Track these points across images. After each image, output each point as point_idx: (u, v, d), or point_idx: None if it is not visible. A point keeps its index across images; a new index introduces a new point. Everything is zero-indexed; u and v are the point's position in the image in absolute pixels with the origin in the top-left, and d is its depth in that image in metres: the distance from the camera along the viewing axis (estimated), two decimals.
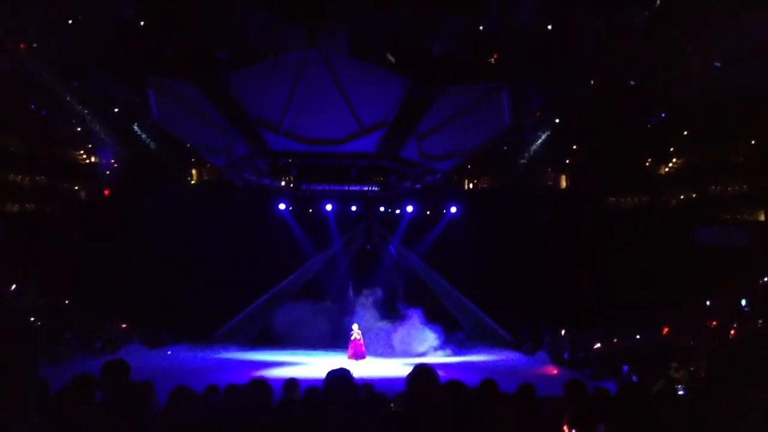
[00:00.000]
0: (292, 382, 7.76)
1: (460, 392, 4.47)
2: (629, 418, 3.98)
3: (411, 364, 3.90)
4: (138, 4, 19.00)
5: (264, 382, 4.47)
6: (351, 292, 25.70)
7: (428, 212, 26.45)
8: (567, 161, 27.68)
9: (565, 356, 21.92)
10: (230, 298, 24.65)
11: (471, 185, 28.98)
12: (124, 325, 23.74)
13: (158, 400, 5.05)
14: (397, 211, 26.42)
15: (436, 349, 23.18)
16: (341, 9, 18.09)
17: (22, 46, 20.16)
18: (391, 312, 24.67)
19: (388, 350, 22.67)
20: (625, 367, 17.84)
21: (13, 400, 1.08)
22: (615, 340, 21.41)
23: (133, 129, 24.90)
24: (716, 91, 20.45)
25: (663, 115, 23.38)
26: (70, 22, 19.14)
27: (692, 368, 15.87)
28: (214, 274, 24.21)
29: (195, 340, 23.84)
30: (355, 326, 21.15)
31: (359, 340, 20.93)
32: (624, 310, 21.92)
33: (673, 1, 18.21)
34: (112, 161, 26.93)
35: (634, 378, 16.70)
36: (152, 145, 25.51)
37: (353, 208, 26.17)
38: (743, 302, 20.57)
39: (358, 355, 20.47)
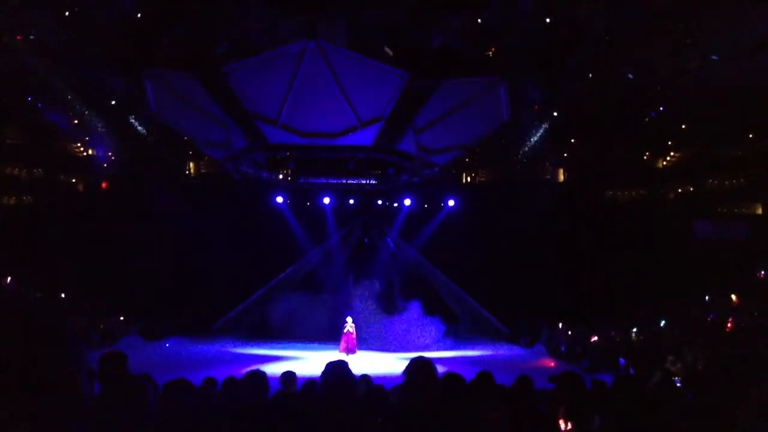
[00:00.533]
0: (289, 375, 7.78)
1: (457, 385, 4.48)
2: (625, 409, 3.99)
3: (408, 359, 3.90)
4: None
5: (261, 375, 4.47)
6: (349, 286, 25.67)
7: (426, 205, 26.46)
8: (565, 155, 27.68)
9: (563, 349, 21.97)
10: (228, 290, 24.66)
11: (469, 179, 28.97)
12: (121, 318, 23.75)
13: (156, 392, 5.05)
14: (395, 205, 26.41)
15: (434, 342, 23.20)
16: (340, 2, 18.04)
17: (19, 38, 20.08)
18: (389, 305, 24.69)
19: (385, 344, 22.64)
20: (622, 360, 17.89)
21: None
22: (612, 332, 21.47)
23: (131, 121, 24.83)
24: (714, 86, 20.46)
25: (661, 108, 23.37)
26: (68, 13, 19.06)
27: (689, 361, 15.91)
28: (212, 267, 24.21)
29: (193, 333, 23.86)
30: (349, 320, 20.89)
31: (352, 334, 20.58)
32: (621, 303, 21.98)
33: None
34: (110, 154, 26.88)
35: (631, 371, 16.74)
36: (150, 138, 25.45)
37: (351, 201, 26.16)
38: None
39: (349, 350, 20.17)
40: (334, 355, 18.19)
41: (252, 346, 22.56)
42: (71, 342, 1.07)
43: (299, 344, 22.46)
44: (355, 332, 20.72)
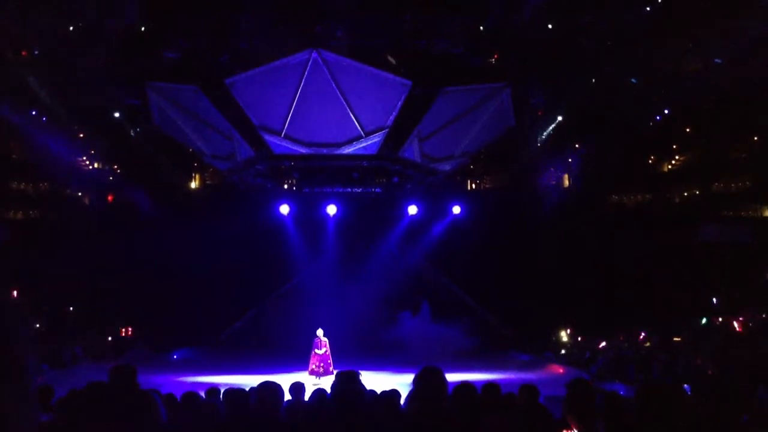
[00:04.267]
0: (297, 385, 7.78)
1: (467, 393, 4.47)
2: (636, 416, 3.97)
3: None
4: (140, 9, 19.03)
5: (274, 385, 4.47)
6: (354, 296, 25.48)
7: (431, 213, 26.38)
8: (570, 160, 27.66)
9: (571, 355, 21.92)
10: (234, 302, 24.65)
11: (474, 185, 28.95)
12: (129, 330, 23.80)
13: (164, 404, 5.04)
14: (400, 213, 26.36)
15: (441, 352, 22.91)
16: (342, 11, 18.13)
17: (24, 53, 20.22)
18: (394, 315, 24.59)
19: (390, 357, 21.07)
20: (632, 367, 17.82)
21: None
22: (620, 338, 21.41)
23: (136, 134, 24.91)
24: (718, 88, 20.44)
25: (666, 112, 23.36)
26: (72, 28, 19.19)
27: (699, 365, 15.85)
28: (218, 278, 24.19)
29: (200, 345, 23.84)
30: (319, 332, 17.91)
31: (325, 350, 17.61)
32: (629, 308, 21.91)
33: None
34: (115, 167, 26.99)
35: (641, 376, 16.67)
36: (155, 150, 25.50)
37: (356, 210, 26.11)
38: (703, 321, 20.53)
39: (324, 370, 17.12)
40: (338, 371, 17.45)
41: (255, 357, 22.01)
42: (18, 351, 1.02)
43: (301, 356, 21.54)
44: (328, 348, 17.82)
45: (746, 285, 21.51)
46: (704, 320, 20.54)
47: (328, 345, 17.77)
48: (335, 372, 16.67)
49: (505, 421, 4.81)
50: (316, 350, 17.65)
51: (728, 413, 6.49)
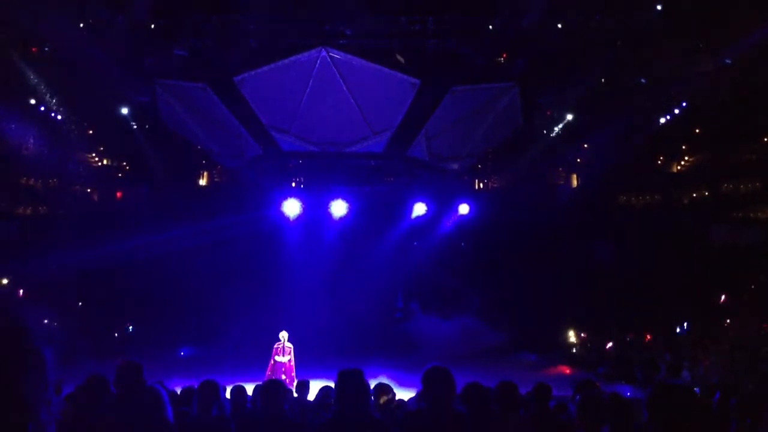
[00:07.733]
0: (302, 384, 7.79)
1: (476, 393, 4.45)
2: (650, 419, 3.93)
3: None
4: (149, 6, 19.06)
5: (279, 382, 4.46)
6: (359, 294, 25.38)
7: (438, 212, 26.31)
8: (578, 160, 27.54)
9: (578, 356, 21.86)
10: (240, 300, 24.66)
11: (481, 185, 28.87)
12: (135, 326, 23.85)
13: (171, 400, 5.04)
14: (407, 211, 26.30)
15: (446, 352, 22.83)
16: (349, 9, 18.11)
17: (34, 50, 20.28)
18: (400, 314, 24.58)
19: (395, 361, 19.43)
20: (638, 367, 17.78)
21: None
22: (628, 339, 21.34)
23: (144, 131, 24.93)
24: (729, 89, 20.32)
25: (676, 112, 23.24)
26: (81, 25, 19.23)
27: (706, 367, 15.78)
28: (225, 276, 24.22)
29: (206, 342, 23.87)
30: (283, 335, 15.77)
31: (290, 359, 15.28)
32: (637, 309, 21.84)
33: None
34: (124, 163, 27.05)
35: (647, 377, 16.63)
36: (163, 147, 25.53)
37: (363, 208, 26.04)
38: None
39: (288, 383, 13.53)
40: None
41: (254, 362, 21.70)
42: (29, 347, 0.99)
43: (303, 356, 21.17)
44: (292, 354, 15.61)
45: (756, 287, 21.40)
46: None
47: (292, 352, 15.59)
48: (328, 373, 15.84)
49: (516, 421, 4.79)
50: (277, 357, 15.42)
51: (733, 415, 6.45)
